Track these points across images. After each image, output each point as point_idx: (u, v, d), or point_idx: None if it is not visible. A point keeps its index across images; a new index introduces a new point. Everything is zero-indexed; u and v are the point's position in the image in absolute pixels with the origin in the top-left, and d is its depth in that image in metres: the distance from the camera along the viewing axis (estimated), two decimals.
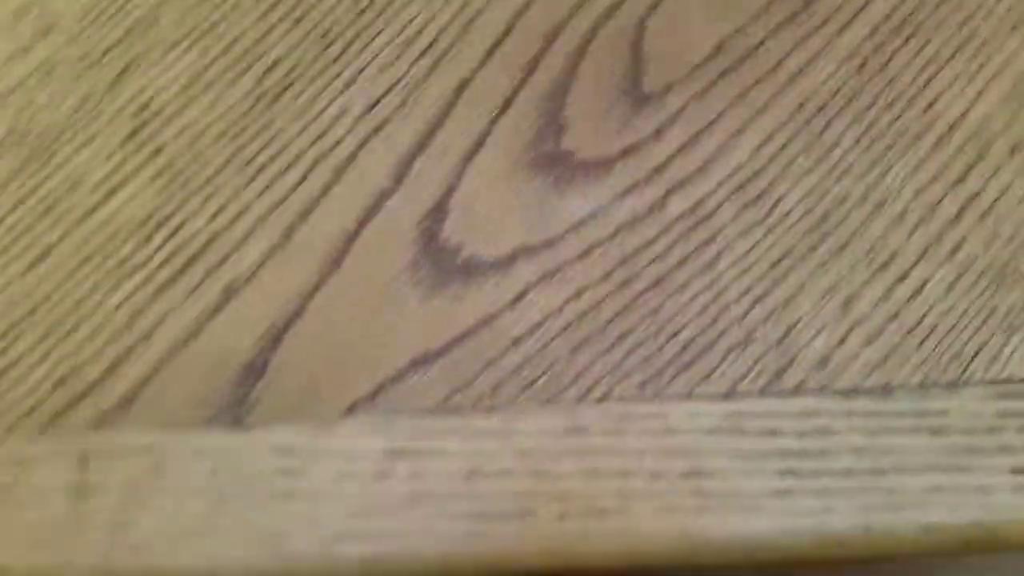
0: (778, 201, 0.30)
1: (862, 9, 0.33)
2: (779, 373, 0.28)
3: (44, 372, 0.28)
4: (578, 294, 0.29)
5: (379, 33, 0.32)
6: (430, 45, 0.31)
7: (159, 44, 0.31)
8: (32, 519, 0.26)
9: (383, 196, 0.30)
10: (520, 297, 0.29)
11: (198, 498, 0.26)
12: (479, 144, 0.31)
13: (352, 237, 0.29)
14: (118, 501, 0.26)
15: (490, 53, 0.31)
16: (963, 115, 0.31)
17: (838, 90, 0.31)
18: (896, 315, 0.29)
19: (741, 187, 0.30)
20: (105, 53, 0.31)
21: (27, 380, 0.27)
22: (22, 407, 0.27)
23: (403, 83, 0.31)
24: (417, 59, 0.31)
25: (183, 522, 0.26)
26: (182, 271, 0.29)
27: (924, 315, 0.29)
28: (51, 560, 0.26)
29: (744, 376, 0.28)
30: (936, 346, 0.29)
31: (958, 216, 0.30)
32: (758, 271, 0.29)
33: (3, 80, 0.31)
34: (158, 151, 0.30)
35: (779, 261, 0.29)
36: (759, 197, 0.30)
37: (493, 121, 0.31)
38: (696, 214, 0.30)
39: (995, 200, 0.30)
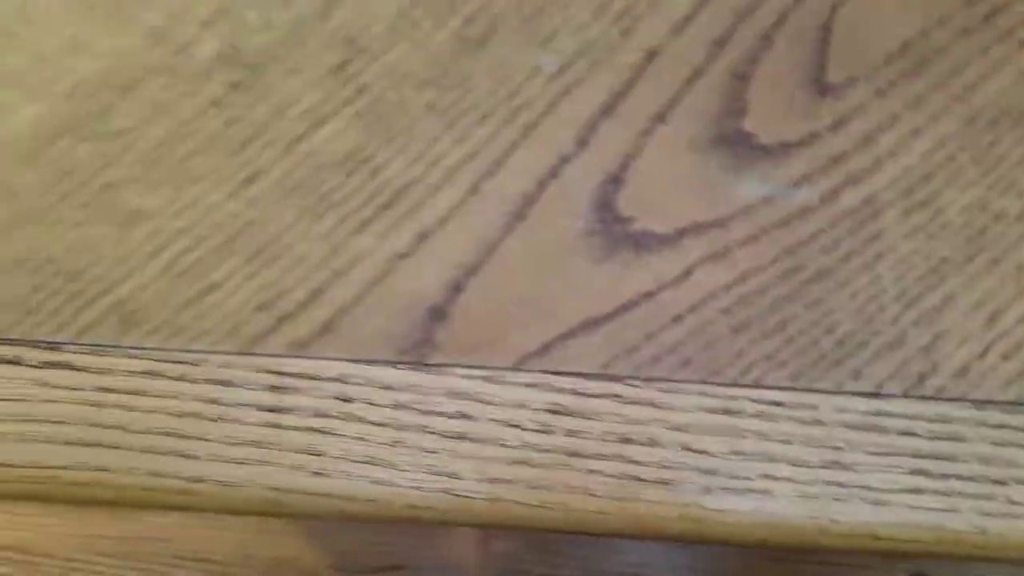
0: (942, 209, 0.30)
1: None
2: (922, 378, 0.28)
3: (246, 296, 0.28)
4: (743, 277, 0.29)
5: None
6: (626, 9, 0.31)
7: None
8: (228, 436, 0.27)
9: (565, 159, 0.30)
10: (686, 274, 0.29)
11: (380, 429, 0.27)
12: (661, 116, 0.30)
13: (533, 196, 0.29)
14: (307, 425, 0.27)
15: (683, 24, 0.31)
16: None
17: (1011, 105, 0.31)
18: None
19: (910, 190, 0.30)
20: None
21: (229, 302, 0.28)
22: (224, 328, 0.28)
23: (596, 46, 0.30)
24: (612, 23, 0.30)
25: (365, 451, 0.27)
26: (379, 213, 0.29)
27: None
28: (243, 477, 0.27)
29: (890, 377, 0.28)
30: None
31: None
32: (915, 275, 0.29)
33: None
34: (362, 89, 0.29)
35: (936, 268, 0.29)
36: (925, 203, 0.30)
37: (678, 94, 0.30)
38: (865, 211, 0.30)
39: None
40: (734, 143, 0.30)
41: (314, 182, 0.29)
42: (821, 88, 0.31)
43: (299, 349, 0.28)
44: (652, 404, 0.28)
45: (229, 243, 0.28)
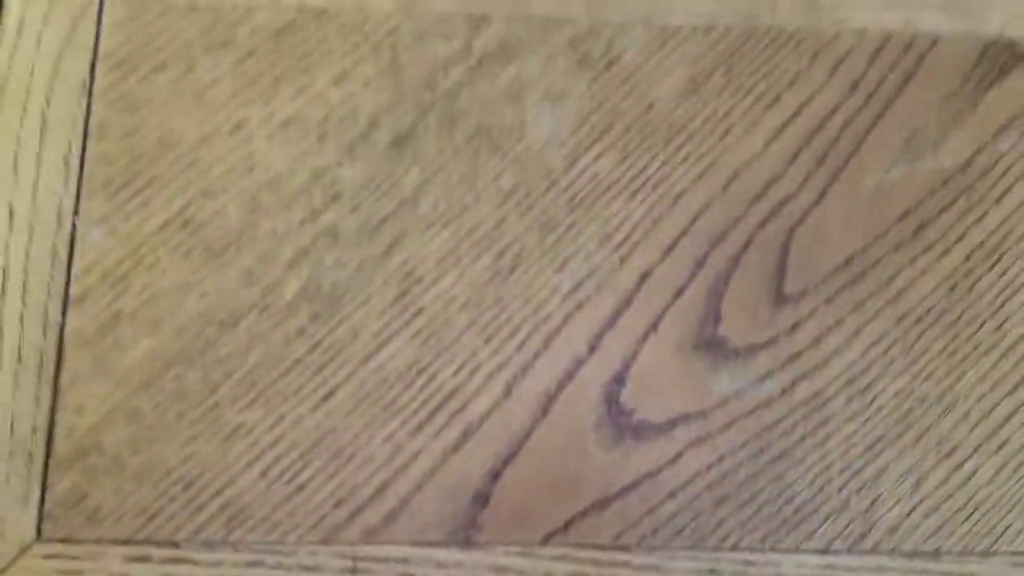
0: (876, 396, 0.35)
1: (963, 236, 0.37)
2: (862, 536, 0.34)
3: (328, 493, 0.33)
4: (720, 459, 0.34)
5: (585, 227, 0.35)
6: (624, 239, 0.35)
7: (420, 222, 0.35)
8: None
9: (579, 363, 0.35)
10: (677, 458, 0.34)
11: None
12: (654, 326, 0.35)
13: (554, 395, 0.34)
14: None
15: (669, 249, 0.36)
16: None
17: (932, 307, 0.36)
18: (951, 496, 0.35)
19: (851, 381, 0.35)
20: (379, 225, 0.35)
21: (314, 499, 0.33)
22: (310, 521, 0.32)
23: (601, 270, 0.35)
24: (613, 250, 0.35)
25: None
26: (432, 415, 0.34)
27: (971, 497, 0.35)
28: None
29: (837, 536, 0.34)
30: (977, 522, 0.34)
31: (1008, 418, 0.35)
32: (856, 452, 0.35)
33: (299, 242, 0.34)
34: (418, 313, 0.34)
35: (872, 446, 0.35)
36: (863, 391, 0.35)
37: (667, 307, 0.35)
38: (816, 400, 0.35)
39: None
40: (712, 347, 0.35)
41: (380, 393, 0.34)
42: (780, 298, 0.36)
43: (370, 536, 0.32)
44: (655, 569, 0.33)
45: (312, 449, 0.33)
